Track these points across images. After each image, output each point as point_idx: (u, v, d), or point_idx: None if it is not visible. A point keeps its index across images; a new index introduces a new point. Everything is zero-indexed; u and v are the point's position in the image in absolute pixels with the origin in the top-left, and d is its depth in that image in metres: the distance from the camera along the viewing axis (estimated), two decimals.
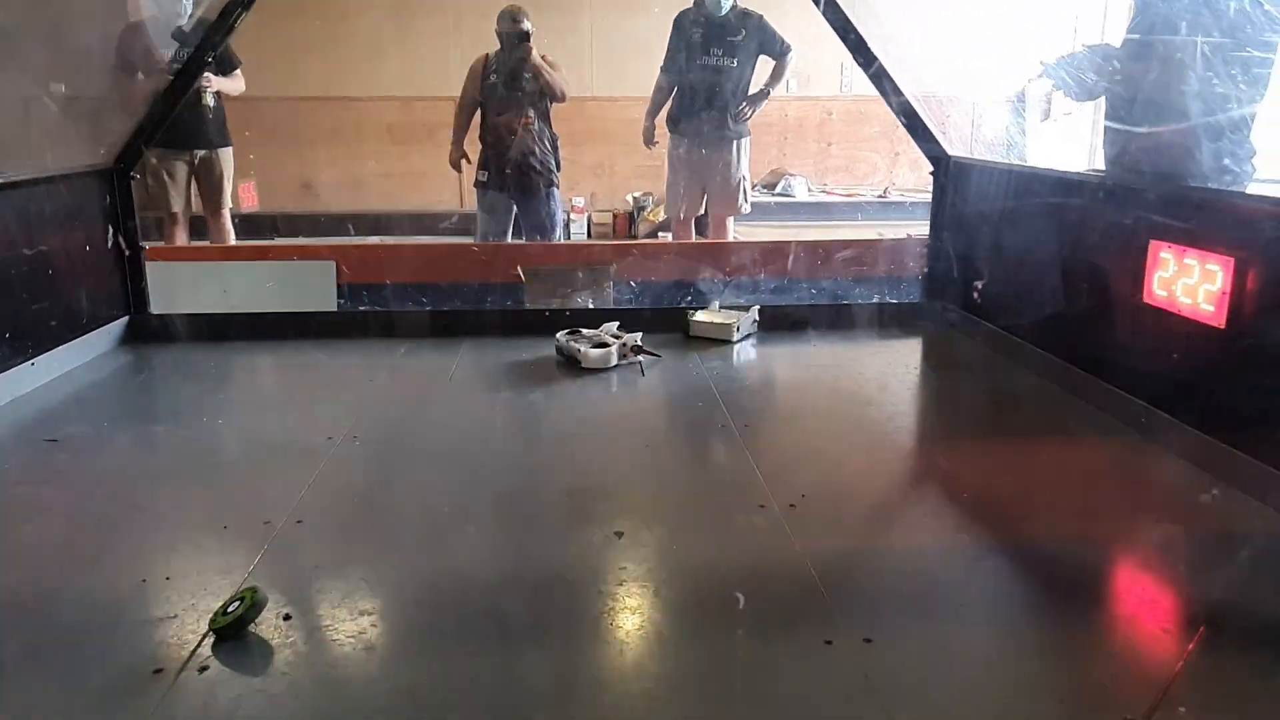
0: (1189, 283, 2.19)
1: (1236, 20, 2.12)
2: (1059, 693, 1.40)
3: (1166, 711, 1.30)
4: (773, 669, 1.43)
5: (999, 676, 1.43)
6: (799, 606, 1.59)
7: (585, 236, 7.35)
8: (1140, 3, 2.57)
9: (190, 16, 3.70)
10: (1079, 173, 2.99)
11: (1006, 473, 2.22)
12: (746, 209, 5.28)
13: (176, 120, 4.72)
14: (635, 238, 7.22)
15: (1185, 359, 2.22)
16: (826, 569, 1.68)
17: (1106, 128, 2.85)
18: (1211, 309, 2.10)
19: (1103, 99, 2.92)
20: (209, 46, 3.09)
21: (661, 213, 6.88)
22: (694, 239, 5.40)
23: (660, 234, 6.97)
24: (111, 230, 3.12)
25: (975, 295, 3.20)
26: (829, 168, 8.02)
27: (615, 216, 7.62)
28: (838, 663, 1.42)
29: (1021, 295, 2.97)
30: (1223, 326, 2.07)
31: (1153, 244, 2.29)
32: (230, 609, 1.50)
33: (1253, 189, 2.65)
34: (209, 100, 4.93)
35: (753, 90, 5.00)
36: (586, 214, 7.50)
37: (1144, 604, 1.73)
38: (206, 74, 4.71)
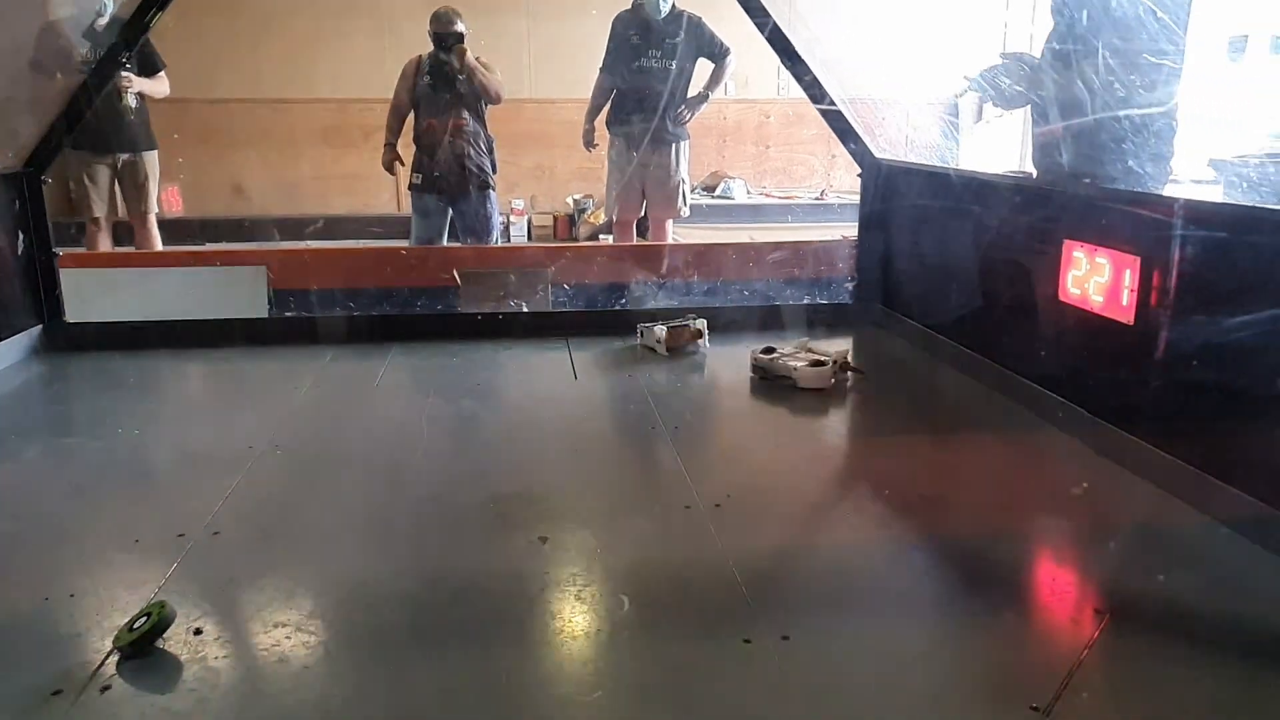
0: (1100, 280, 2.25)
1: (1134, 29, 2.20)
2: (970, 685, 1.43)
3: (1071, 698, 1.33)
4: (691, 669, 1.44)
5: (913, 670, 1.46)
6: (720, 606, 1.60)
7: (526, 239, 7.31)
8: (1056, 13, 2.65)
9: (103, 15, 3.59)
10: (1001, 175, 3.07)
11: (928, 469, 2.27)
12: (685, 212, 5.30)
13: (98, 123, 4.61)
14: (576, 240, 7.20)
15: (1098, 354, 2.29)
16: (748, 568, 1.70)
17: (1033, 132, 2.93)
18: (1121, 306, 2.17)
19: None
20: (122, 46, 3.00)
21: (602, 215, 6.87)
22: (635, 241, 5.40)
23: (601, 236, 6.96)
24: (22, 236, 3.01)
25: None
26: (767, 170, 8.09)
27: (556, 219, 7.59)
28: (755, 661, 1.43)
29: (946, 295, 3.03)
30: (1131, 323, 2.14)
31: (1066, 243, 2.36)
32: (136, 625, 1.45)
33: (1169, 190, 2.75)
34: (130, 101, 4.78)
35: (692, 93, 5.02)
36: (527, 216, 7.46)
37: (1054, 594, 1.77)
38: (127, 74, 4.58)
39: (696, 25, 4.92)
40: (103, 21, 3.76)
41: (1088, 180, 2.39)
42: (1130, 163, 2.30)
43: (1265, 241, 1.82)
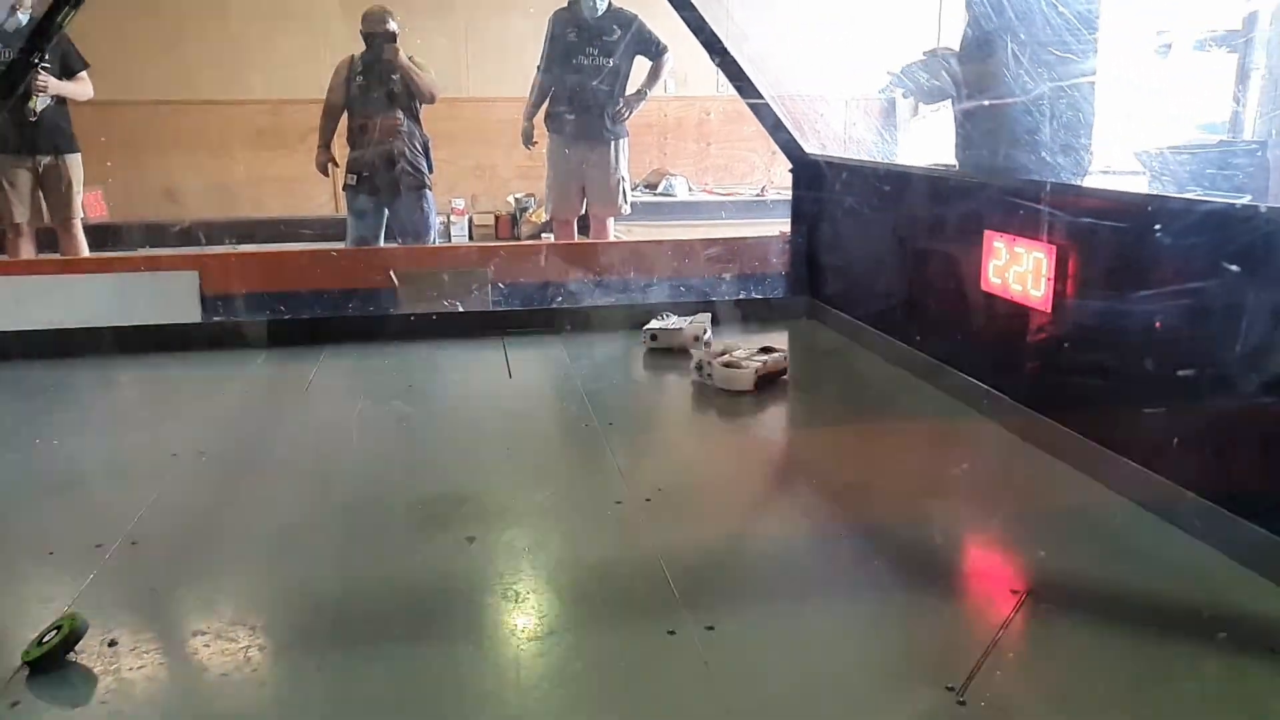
0: (1019, 270, 2.31)
1: (1038, 22, 2.26)
2: (888, 667, 1.46)
3: (985, 677, 1.37)
4: (614, 662, 1.44)
5: (833, 655, 1.48)
6: (646, 599, 1.61)
7: (467, 239, 7.26)
8: (968, 8, 2.72)
9: (15, 14, 3.47)
10: (926, 168, 3.12)
11: (855, 458, 2.30)
12: (626, 210, 5.31)
13: (15, 125, 4.47)
14: (518, 239, 7.17)
15: (1018, 342, 2.35)
16: (676, 561, 1.70)
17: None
18: (1038, 295, 2.23)
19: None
20: (33, 47, 2.90)
21: (544, 214, 6.85)
22: (576, 239, 5.40)
23: (543, 235, 6.95)
24: None
25: None
26: (709, 167, 8.14)
27: (498, 218, 7.55)
28: (678, 652, 1.45)
29: (872, 287, 3.08)
30: (1049, 311, 2.20)
31: (987, 234, 2.42)
32: (46, 639, 1.42)
33: (1088, 182, 2.83)
34: (35, 104, 4.57)
35: (630, 90, 5.03)
36: (467, 216, 7.41)
37: (973, 576, 1.82)
38: (44, 76, 4.44)
39: (633, 23, 4.94)
40: (15, 21, 3.64)
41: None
42: (1043, 154, 2.37)
43: (1150, 226, 1.88)
